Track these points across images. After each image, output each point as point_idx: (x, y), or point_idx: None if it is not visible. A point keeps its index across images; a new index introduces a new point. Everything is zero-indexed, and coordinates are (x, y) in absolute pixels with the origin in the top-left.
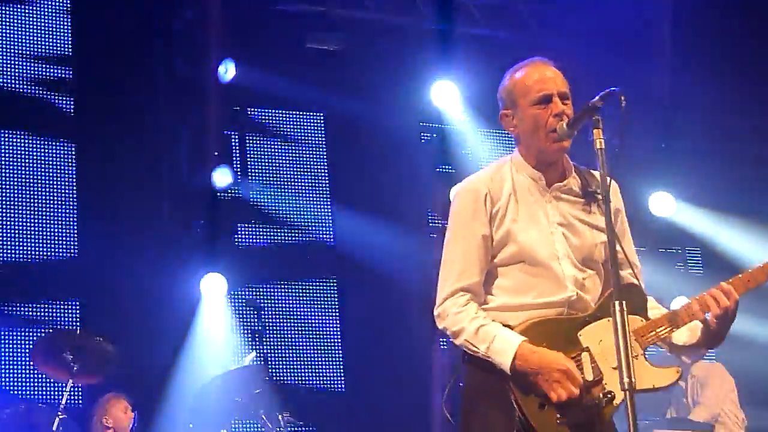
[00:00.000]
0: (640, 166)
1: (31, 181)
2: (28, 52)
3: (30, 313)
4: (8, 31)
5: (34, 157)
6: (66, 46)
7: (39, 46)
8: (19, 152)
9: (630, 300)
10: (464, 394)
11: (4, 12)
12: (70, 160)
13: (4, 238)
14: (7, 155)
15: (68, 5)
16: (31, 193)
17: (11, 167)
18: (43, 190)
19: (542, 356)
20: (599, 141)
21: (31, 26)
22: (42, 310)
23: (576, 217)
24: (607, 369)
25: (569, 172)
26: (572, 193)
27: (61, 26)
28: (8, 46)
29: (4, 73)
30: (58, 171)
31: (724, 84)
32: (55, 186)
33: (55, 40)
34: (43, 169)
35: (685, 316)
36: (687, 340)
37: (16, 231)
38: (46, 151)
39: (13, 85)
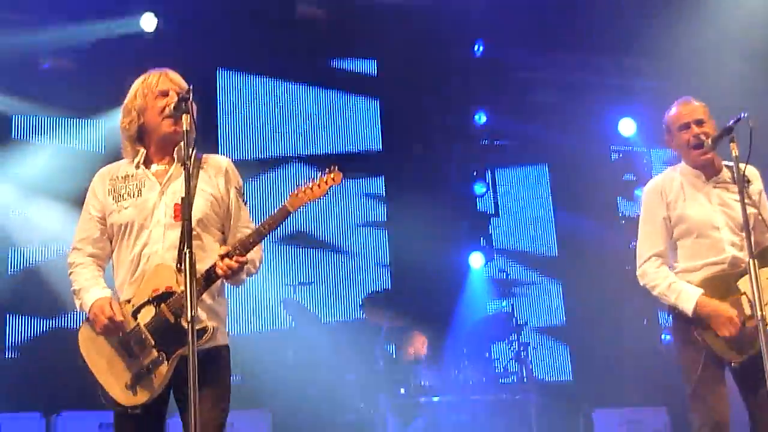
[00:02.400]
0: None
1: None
2: None
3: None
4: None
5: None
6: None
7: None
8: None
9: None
10: (674, 336)
11: None
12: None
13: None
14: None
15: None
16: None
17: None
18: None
19: (715, 306)
20: (734, 150)
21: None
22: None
23: (731, 199)
24: None
25: (721, 168)
26: (725, 181)
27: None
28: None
29: None
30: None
31: None
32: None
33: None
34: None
35: None
36: None
37: None
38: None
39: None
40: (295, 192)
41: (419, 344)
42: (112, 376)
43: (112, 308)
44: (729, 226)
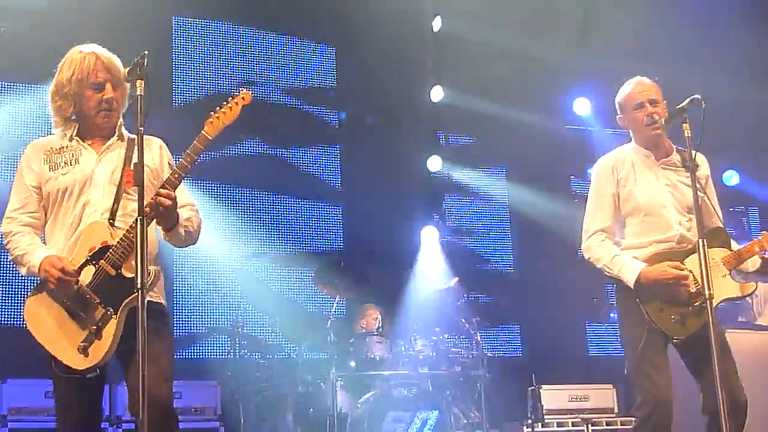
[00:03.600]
0: (716, 152)
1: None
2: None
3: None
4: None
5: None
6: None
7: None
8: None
9: (717, 237)
10: (617, 308)
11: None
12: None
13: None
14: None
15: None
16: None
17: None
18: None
19: (656, 268)
20: (687, 131)
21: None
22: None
23: (678, 180)
24: None
25: (671, 151)
26: (674, 164)
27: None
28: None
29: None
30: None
31: None
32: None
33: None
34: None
35: (752, 251)
36: (755, 267)
37: None
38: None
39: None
40: (210, 119)
41: (369, 318)
42: (62, 344)
43: (61, 260)
44: (675, 206)
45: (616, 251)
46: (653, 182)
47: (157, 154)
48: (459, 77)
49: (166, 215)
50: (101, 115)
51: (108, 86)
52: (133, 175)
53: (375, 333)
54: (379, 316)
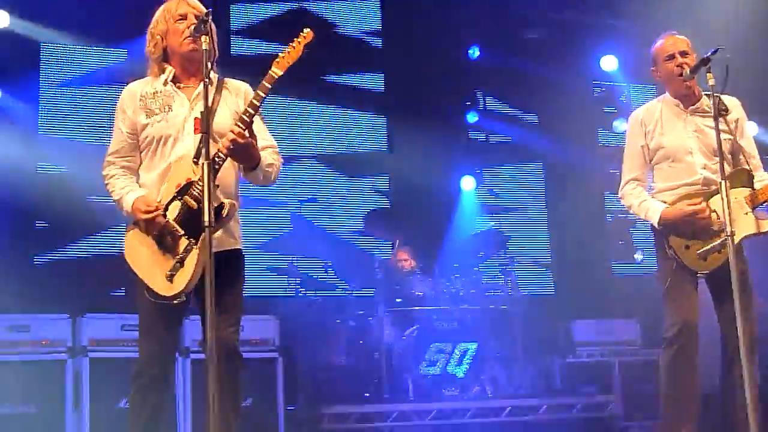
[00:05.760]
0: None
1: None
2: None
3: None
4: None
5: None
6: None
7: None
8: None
9: (739, 178)
10: (655, 248)
11: None
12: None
13: None
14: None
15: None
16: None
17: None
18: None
19: (675, 208)
20: (711, 80)
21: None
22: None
23: (706, 125)
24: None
25: (700, 97)
26: (703, 110)
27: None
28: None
29: None
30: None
31: None
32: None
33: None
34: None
35: None
36: None
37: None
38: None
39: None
40: (277, 59)
41: (401, 259)
42: (153, 273)
43: (147, 201)
44: (702, 150)
45: (644, 197)
46: (680, 130)
47: (242, 100)
48: (496, 37)
49: (241, 153)
50: (186, 42)
51: (191, 17)
52: (200, 122)
53: (419, 272)
54: (409, 257)
